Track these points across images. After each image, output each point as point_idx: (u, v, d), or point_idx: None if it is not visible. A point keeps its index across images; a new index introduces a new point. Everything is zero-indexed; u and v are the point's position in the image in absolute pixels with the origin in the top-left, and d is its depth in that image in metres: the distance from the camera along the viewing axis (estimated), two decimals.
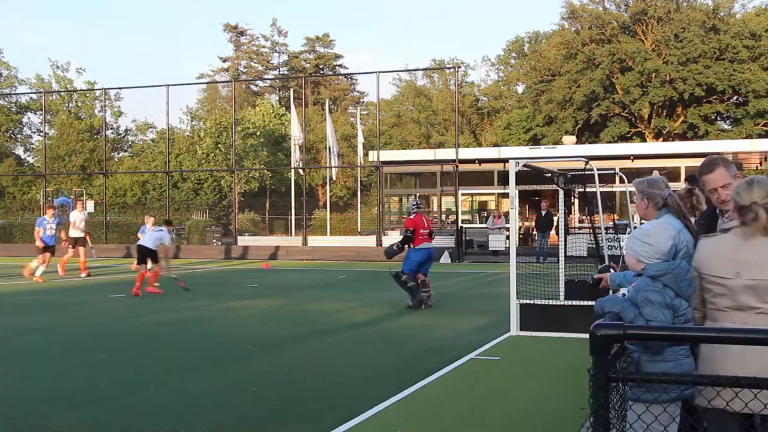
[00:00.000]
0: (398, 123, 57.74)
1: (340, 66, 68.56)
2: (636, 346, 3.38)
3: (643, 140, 45.94)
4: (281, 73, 67.73)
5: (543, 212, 23.92)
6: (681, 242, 3.84)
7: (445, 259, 25.39)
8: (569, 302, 9.59)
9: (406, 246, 12.68)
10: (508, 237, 23.66)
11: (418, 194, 35.08)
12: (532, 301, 9.76)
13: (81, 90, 53.38)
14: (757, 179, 3.32)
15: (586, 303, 8.98)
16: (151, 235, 15.30)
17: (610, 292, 4.94)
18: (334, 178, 42.99)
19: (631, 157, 28.12)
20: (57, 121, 52.25)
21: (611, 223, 13.26)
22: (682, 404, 3.49)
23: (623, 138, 46.44)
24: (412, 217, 12.74)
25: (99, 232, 33.76)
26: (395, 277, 12.50)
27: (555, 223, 23.69)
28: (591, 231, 10.66)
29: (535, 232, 25.97)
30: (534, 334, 9.52)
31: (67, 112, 53.83)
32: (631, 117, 47.91)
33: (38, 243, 17.89)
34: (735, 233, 3.25)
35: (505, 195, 28.73)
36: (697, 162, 28.72)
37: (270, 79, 67.81)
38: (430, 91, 59.09)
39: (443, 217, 32.42)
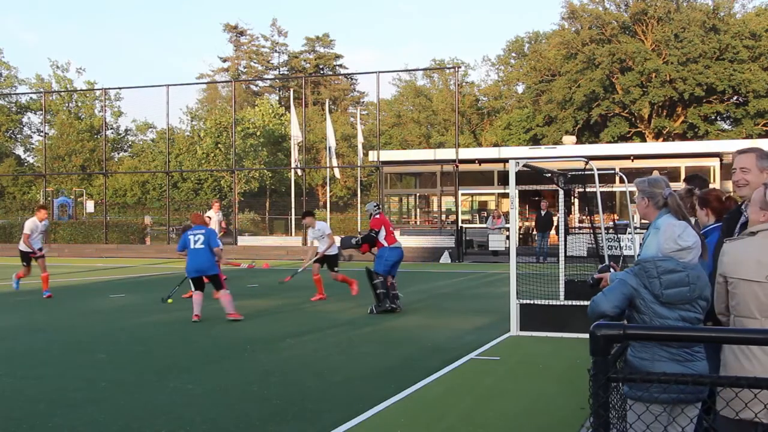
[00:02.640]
0: (398, 123, 57.71)
1: (340, 66, 68.55)
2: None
3: (643, 140, 45.93)
4: (281, 73, 67.72)
5: (543, 212, 23.91)
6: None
7: (445, 259, 25.38)
8: (569, 302, 9.59)
9: (376, 247, 12.18)
10: (508, 237, 23.65)
11: (418, 194, 35.12)
12: (532, 301, 9.77)
13: (81, 90, 53.39)
14: None
15: (586, 303, 8.95)
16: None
17: None
18: (338, 176, 42.98)
19: (631, 157, 28.12)
20: (57, 121, 52.26)
21: (611, 223, 13.26)
22: (701, 405, 3.50)
23: (623, 138, 46.43)
24: (377, 217, 12.24)
25: (99, 232, 33.77)
26: (368, 274, 12.08)
27: (555, 223, 23.70)
28: (591, 231, 10.66)
29: (535, 232, 25.97)
30: (534, 334, 9.51)
31: (67, 112, 53.84)
32: (631, 117, 47.91)
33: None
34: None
35: (505, 195, 28.72)
36: (697, 162, 28.50)
37: (270, 79, 67.80)
38: (430, 91, 59.06)
39: (443, 217, 32.42)
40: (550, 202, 23.35)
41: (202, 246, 10.99)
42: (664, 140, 45.47)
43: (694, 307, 3.50)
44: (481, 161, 30.50)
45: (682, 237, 3.57)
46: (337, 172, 40.34)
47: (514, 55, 57.75)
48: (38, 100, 52.69)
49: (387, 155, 33.27)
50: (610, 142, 44.13)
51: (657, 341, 3.36)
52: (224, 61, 67.84)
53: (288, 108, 41.94)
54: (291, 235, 35.94)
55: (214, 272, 11.03)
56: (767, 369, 3.14)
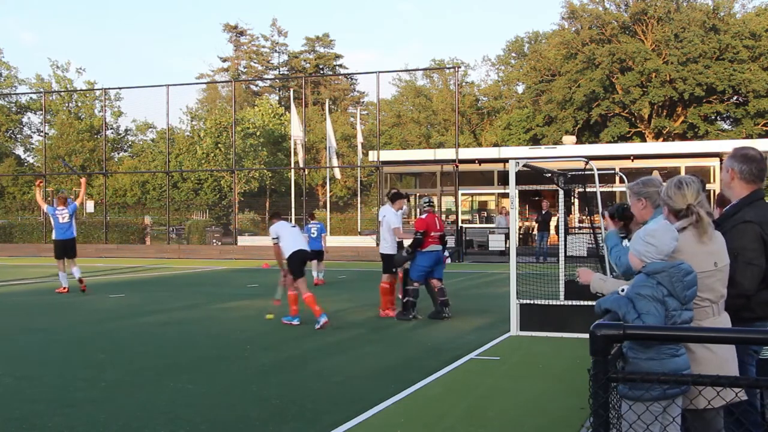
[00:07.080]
0: (398, 123, 57.68)
1: (340, 66, 68.52)
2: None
3: (643, 140, 45.92)
4: (281, 73, 67.71)
5: (543, 212, 23.94)
6: None
7: None
8: (569, 302, 9.59)
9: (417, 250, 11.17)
10: (507, 237, 23.66)
11: (418, 194, 35.10)
12: (532, 301, 9.76)
13: (81, 90, 53.36)
14: (686, 180, 3.77)
15: (586, 303, 8.98)
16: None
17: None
18: (338, 176, 42.95)
19: (631, 157, 28.12)
20: (57, 121, 52.24)
21: None
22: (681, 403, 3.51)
23: (623, 138, 46.42)
24: (423, 217, 11.30)
25: (99, 232, 33.75)
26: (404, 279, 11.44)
27: (553, 222, 23.72)
28: (591, 231, 10.66)
29: (535, 233, 25.99)
30: (534, 334, 9.51)
31: (67, 112, 53.81)
32: (631, 117, 47.90)
33: None
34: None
35: (505, 195, 28.72)
36: (697, 162, 28.51)
37: (270, 79, 67.79)
38: (430, 91, 59.05)
39: (443, 217, 32.43)
40: (550, 202, 23.37)
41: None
42: (664, 140, 45.46)
43: (690, 306, 3.52)
44: (481, 161, 30.50)
45: (675, 236, 3.60)
46: (337, 173, 40.32)
47: (514, 55, 57.73)
48: (38, 100, 52.66)
49: (387, 155, 33.28)
50: (610, 142, 44.12)
51: (657, 341, 3.36)
52: (224, 61, 67.88)
53: (288, 108, 41.93)
54: None
55: None
56: (725, 356, 3.30)
